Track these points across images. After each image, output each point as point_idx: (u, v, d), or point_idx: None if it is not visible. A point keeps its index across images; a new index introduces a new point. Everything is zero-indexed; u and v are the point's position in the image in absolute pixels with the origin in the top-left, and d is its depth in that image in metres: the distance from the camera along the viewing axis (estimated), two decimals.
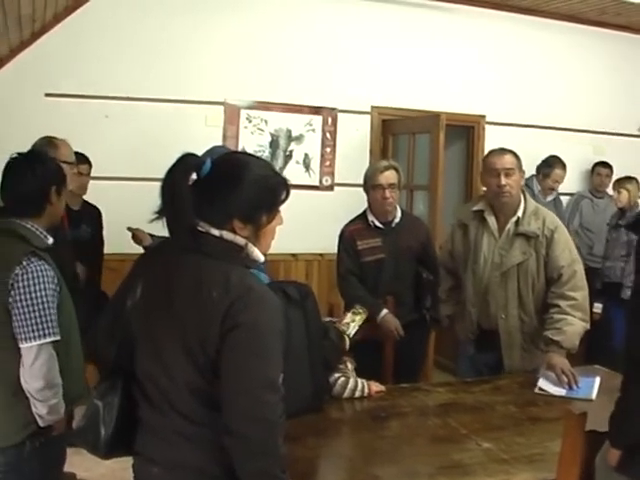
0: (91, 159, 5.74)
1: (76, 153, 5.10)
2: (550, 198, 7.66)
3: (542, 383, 3.96)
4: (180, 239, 2.33)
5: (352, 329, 3.95)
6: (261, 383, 2.19)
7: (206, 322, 2.22)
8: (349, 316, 4.04)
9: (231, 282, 2.23)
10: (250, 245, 2.36)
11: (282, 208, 2.46)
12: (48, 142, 4.61)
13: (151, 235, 5.00)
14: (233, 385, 2.19)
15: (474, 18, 7.80)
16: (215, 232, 2.32)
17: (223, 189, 2.34)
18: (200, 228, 2.32)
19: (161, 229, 2.39)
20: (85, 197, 5.72)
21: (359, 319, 4.04)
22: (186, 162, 2.33)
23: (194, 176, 2.33)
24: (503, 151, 4.42)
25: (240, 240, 2.34)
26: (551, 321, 4.15)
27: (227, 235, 2.32)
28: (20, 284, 2.98)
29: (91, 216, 5.76)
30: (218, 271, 2.27)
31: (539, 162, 7.68)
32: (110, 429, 2.46)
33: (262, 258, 2.42)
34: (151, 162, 5.76)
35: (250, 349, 2.20)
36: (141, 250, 4.92)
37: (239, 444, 2.18)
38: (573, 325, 4.10)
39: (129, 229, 5.25)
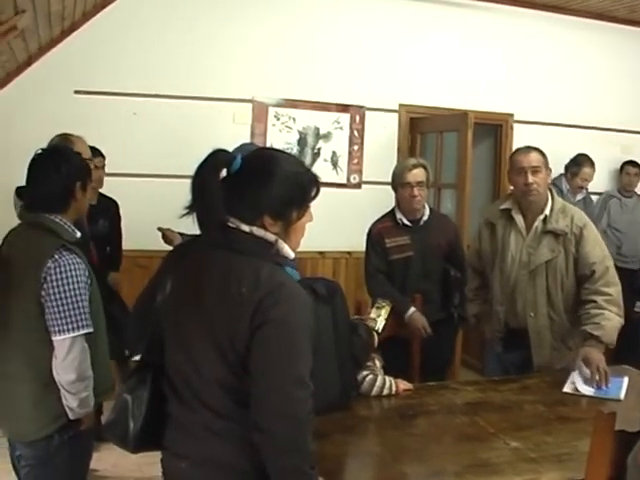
0: (120, 156, 5.79)
1: (90, 147, 5.13)
2: (579, 197, 7.60)
3: (573, 378, 3.94)
4: (210, 235, 2.33)
5: (379, 324, 3.95)
6: (291, 380, 2.19)
7: (235, 318, 2.22)
8: (374, 311, 4.04)
9: (261, 278, 2.23)
10: (280, 241, 2.36)
11: (311, 205, 2.46)
12: (64, 139, 4.62)
13: (181, 234, 5.00)
14: (263, 382, 2.20)
15: (502, 16, 7.77)
16: (245, 228, 2.32)
17: (253, 185, 2.34)
18: (230, 224, 2.33)
19: (191, 227, 2.40)
20: (111, 192, 5.74)
21: (384, 312, 4.04)
22: (217, 158, 2.34)
23: (224, 172, 2.33)
24: (529, 149, 4.40)
25: (270, 236, 2.34)
26: (588, 316, 4.12)
27: (257, 231, 2.33)
28: (53, 277, 3.00)
29: (108, 210, 5.79)
30: (248, 267, 2.27)
31: (567, 161, 7.61)
32: (139, 423, 2.47)
33: (292, 254, 2.42)
34: (179, 159, 5.79)
35: (280, 345, 2.20)
36: (169, 247, 4.94)
37: (269, 440, 2.19)
38: (611, 320, 4.07)
39: (159, 229, 5.26)
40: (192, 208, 2.32)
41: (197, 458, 2.34)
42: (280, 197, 2.34)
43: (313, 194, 2.45)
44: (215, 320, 2.27)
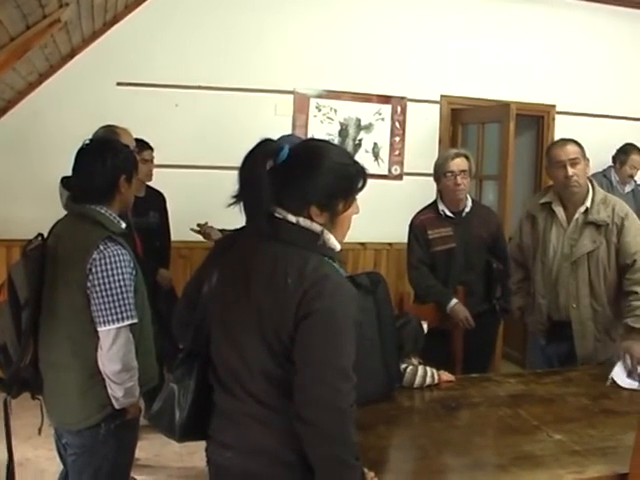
0: (161, 147, 5.80)
1: (139, 140, 5.16)
2: (629, 189, 7.53)
3: (616, 371, 3.90)
4: (257, 225, 2.34)
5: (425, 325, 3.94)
6: (334, 371, 2.19)
7: (281, 309, 2.23)
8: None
9: (307, 269, 2.24)
10: (326, 232, 2.36)
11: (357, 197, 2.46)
12: (110, 131, 4.65)
13: (222, 230, 5.02)
14: (306, 373, 2.20)
15: (544, 6, 7.71)
16: (292, 219, 2.33)
17: (300, 175, 2.34)
18: (277, 214, 2.33)
19: (232, 220, 2.40)
20: (152, 183, 5.76)
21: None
22: (264, 148, 2.34)
23: (271, 162, 2.33)
24: (565, 141, 4.39)
25: (317, 227, 2.35)
26: (630, 308, 4.11)
27: (304, 222, 2.33)
28: (98, 268, 3.02)
29: (157, 202, 5.80)
30: (294, 258, 2.28)
31: (612, 153, 7.54)
32: (185, 412, 2.49)
33: (338, 246, 2.42)
34: (221, 151, 5.83)
35: (324, 337, 2.21)
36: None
37: (311, 431, 2.20)
38: None
39: (198, 225, 5.30)
40: (239, 198, 2.33)
41: (242, 447, 2.36)
42: (327, 188, 2.34)
43: (360, 186, 2.45)
44: (262, 311, 2.27)
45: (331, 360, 2.20)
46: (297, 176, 2.34)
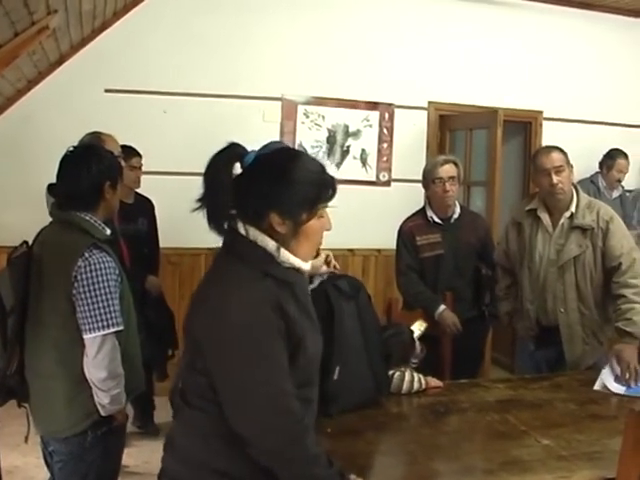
0: (149, 154, 5.80)
1: (127, 147, 5.17)
2: (616, 194, 7.57)
3: (604, 376, 3.91)
4: (219, 232, 2.28)
5: (416, 333, 3.94)
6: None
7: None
8: (416, 325, 4.04)
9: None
10: (284, 251, 2.24)
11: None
12: (95, 137, 4.65)
13: None
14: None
15: (532, 13, 7.74)
16: (242, 231, 2.25)
17: (263, 180, 2.23)
18: (238, 226, 2.26)
19: None
20: (140, 190, 5.77)
21: (423, 329, 4.03)
22: (230, 151, 2.29)
23: (239, 168, 2.27)
24: (550, 149, 4.43)
25: (271, 245, 2.23)
26: (620, 312, 4.13)
27: (254, 235, 2.24)
28: (83, 276, 3.01)
29: (146, 209, 5.79)
30: (232, 285, 2.21)
31: (599, 159, 7.57)
32: None
33: (304, 265, 2.33)
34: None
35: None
36: (198, 244, 4.97)
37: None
38: None
39: None
40: (203, 203, 2.26)
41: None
42: (290, 194, 2.21)
43: (327, 196, 2.31)
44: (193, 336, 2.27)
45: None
46: (260, 181, 2.23)
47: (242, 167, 2.27)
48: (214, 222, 2.25)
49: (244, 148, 2.30)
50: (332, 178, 2.32)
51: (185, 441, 2.29)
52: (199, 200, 2.26)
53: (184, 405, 2.29)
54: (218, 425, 2.19)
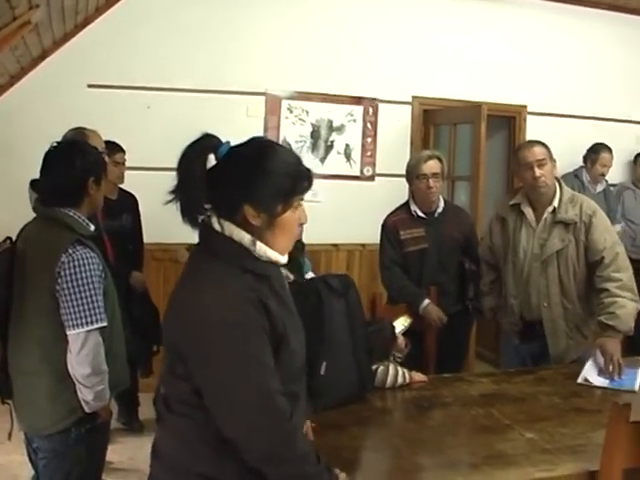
0: (133, 150, 5.78)
1: (111, 142, 5.16)
2: (600, 189, 7.61)
3: (588, 369, 3.94)
4: (192, 226, 2.22)
5: (398, 329, 3.94)
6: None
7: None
8: (399, 320, 4.04)
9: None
10: (260, 244, 2.20)
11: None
12: (79, 133, 4.64)
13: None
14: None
15: (516, 7, 7.75)
16: (217, 226, 2.21)
17: (238, 171, 2.19)
18: (212, 221, 2.22)
19: None
20: (124, 186, 5.76)
21: (407, 324, 4.04)
22: (203, 142, 2.24)
23: (213, 160, 2.22)
24: (532, 143, 4.45)
25: (246, 239, 2.19)
26: (603, 306, 4.13)
27: (229, 229, 2.20)
28: (67, 272, 3.01)
29: (130, 204, 5.79)
30: (208, 288, 2.17)
31: (583, 153, 7.61)
32: None
33: (281, 258, 2.29)
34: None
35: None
36: (183, 240, 4.96)
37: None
38: (625, 307, 4.07)
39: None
40: (176, 195, 2.19)
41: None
42: (264, 185, 2.18)
43: (303, 187, 2.27)
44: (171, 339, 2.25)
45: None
46: (234, 172, 2.19)
47: (216, 159, 2.23)
48: (188, 215, 2.19)
49: (218, 139, 2.25)
50: (308, 170, 2.29)
51: (170, 449, 2.26)
52: (172, 192, 2.19)
53: (167, 412, 2.26)
54: (203, 431, 2.16)
